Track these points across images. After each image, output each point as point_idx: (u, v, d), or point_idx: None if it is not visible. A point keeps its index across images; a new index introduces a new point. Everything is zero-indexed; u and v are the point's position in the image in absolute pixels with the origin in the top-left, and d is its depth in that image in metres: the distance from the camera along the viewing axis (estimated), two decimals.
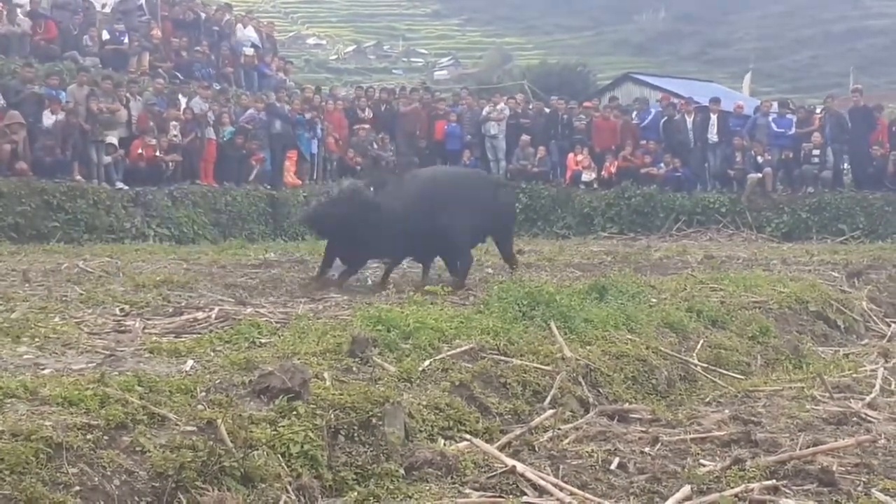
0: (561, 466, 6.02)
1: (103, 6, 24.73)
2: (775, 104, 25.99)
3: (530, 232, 23.81)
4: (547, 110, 26.31)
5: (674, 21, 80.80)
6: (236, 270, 13.12)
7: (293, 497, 5.37)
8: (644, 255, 17.67)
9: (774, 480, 5.68)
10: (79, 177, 18.80)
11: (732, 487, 5.54)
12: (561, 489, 5.57)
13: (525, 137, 25.10)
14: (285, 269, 13.45)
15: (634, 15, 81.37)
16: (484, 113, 25.43)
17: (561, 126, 25.64)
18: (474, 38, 79.49)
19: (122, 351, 7.20)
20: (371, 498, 5.51)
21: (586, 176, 24.72)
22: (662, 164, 24.53)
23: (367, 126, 24.92)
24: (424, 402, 6.69)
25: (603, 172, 24.71)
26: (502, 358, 7.77)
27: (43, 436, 4.88)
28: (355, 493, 5.54)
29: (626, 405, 7.72)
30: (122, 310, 9.22)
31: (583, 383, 7.83)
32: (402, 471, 5.86)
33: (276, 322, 8.63)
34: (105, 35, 23.52)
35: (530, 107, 26.77)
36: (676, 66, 63.09)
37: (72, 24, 22.61)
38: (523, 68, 54.52)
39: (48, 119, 18.66)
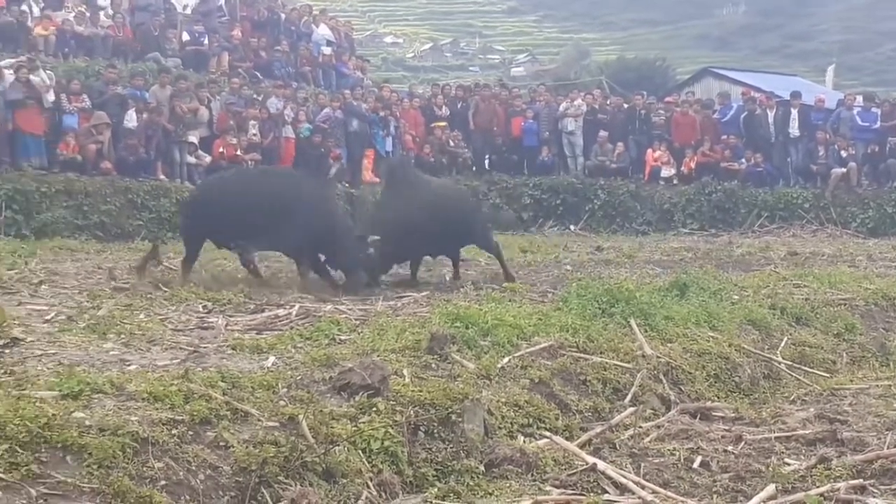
0: (642, 464, 5.97)
1: (184, 7, 25.11)
2: (859, 97, 25.45)
3: (609, 229, 23.65)
4: (625, 106, 26.08)
5: (754, 14, 79.66)
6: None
7: (374, 493, 5.40)
8: (726, 252, 17.44)
9: (861, 479, 5.57)
10: (162, 176, 19.11)
11: (818, 487, 5.45)
12: (643, 487, 5.52)
13: (603, 133, 24.91)
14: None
15: (714, 9, 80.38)
16: (561, 109, 25.30)
17: (639, 121, 25.38)
18: (551, 35, 79.20)
19: (205, 347, 7.29)
20: (451, 494, 5.52)
21: (665, 172, 24.46)
22: (744, 160, 24.17)
23: (442, 123, 24.94)
24: (504, 399, 6.68)
25: (682, 168, 24.43)
26: (582, 355, 7.73)
27: (129, 431, 4.97)
28: (435, 490, 5.55)
29: (709, 403, 7.64)
30: (205, 307, 9.35)
31: (664, 381, 7.76)
32: (482, 467, 5.86)
33: (356, 319, 8.68)
34: (186, 36, 23.88)
35: (608, 102, 26.55)
36: (757, 61, 62.21)
37: (153, 26, 22.98)
38: (601, 64, 54.10)
39: (131, 119, 18.99)
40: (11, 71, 18.11)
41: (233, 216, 10.89)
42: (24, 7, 21.33)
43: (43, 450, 4.68)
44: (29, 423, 4.76)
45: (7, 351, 6.70)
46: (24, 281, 10.57)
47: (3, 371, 6.04)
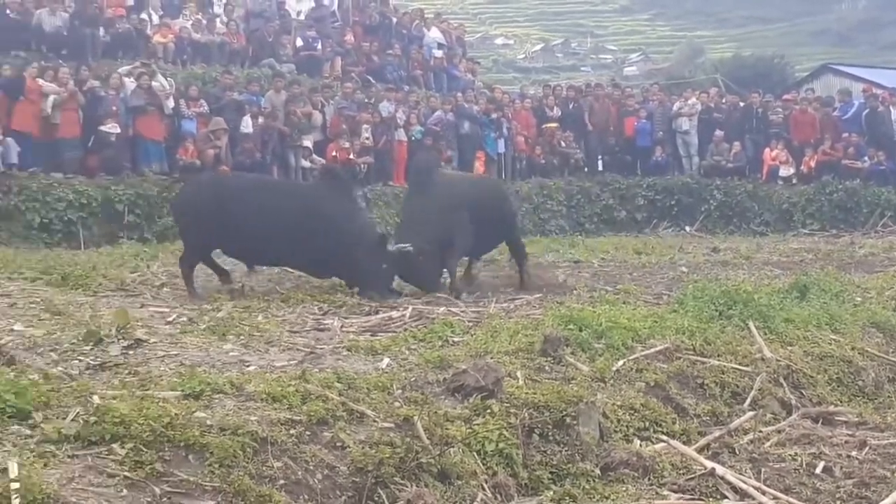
0: (762, 470, 5.87)
1: (298, 13, 25.46)
2: None
3: (726, 230, 23.23)
4: (741, 104, 25.61)
5: (874, 9, 77.34)
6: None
7: (489, 494, 5.40)
8: (847, 253, 17.00)
9: None
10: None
11: None
12: (763, 493, 5.42)
13: (718, 132, 24.49)
14: (476, 268, 13.52)
15: (832, 4, 78.40)
16: (675, 108, 24.96)
17: (756, 120, 24.88)
18: (664, 33, 78.21)
19: (321, 349, 7.39)
20: (567, 497, 5.48)
21: (784, 171, 23.91)
22: (866, 158, 23.51)
23: (553, 124, 24.84)
24: (619, 403, 6.62)
25: (802, 167, 23.86)
26: (699, 358, 7.62)
27: (249, 430, 5.06)
28: (551, 493, 5.53)
29: (831, 407, 7.46)
30: (320, 308, 9.47)
31: (784, 385, 7.60)
32: (597, 471, 5.82)
33: (469, 321, 8.69)
34: (299, 41, 24.24)
35: (724, 101, 26.11)
36: (878, 56, 60.40)
37: (267, 32, 23.38)
38: (716, 62, 53.14)
39: (247, 124, 19.35)
40: (132, 78, 18.61)
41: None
42: (144, 15, 21.90)
43: (166, 449, 4.80)
44: (153, 422, 4.88)
45: (131, 352, 6.88)
46: (147, 284, 10.86)
47: (127, 372, 6.21)
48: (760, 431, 6.60)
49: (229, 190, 11.05)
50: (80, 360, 6.53)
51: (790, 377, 7.72)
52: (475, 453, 5.57)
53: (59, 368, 6.17)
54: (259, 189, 11.48)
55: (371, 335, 8.05)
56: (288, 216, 10.57)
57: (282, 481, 4.93)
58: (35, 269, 10.89)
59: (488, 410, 5.89)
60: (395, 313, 9.04)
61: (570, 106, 25.44)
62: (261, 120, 19.49)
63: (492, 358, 6.80)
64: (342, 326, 8.41)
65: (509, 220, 12.61)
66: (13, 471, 4.23)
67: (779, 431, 6.65)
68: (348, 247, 10.49)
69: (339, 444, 5.31)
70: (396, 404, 5.85)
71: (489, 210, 11.84)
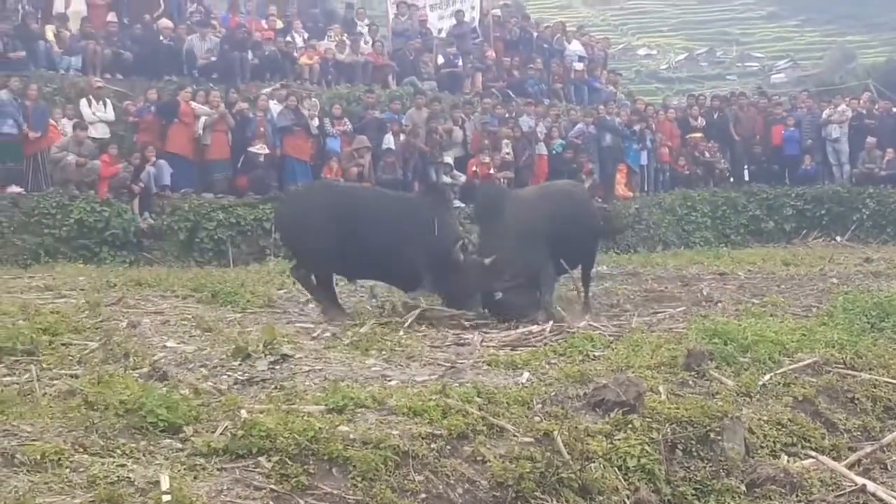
0: None
1: (439, 31, 25.71)
2: None
3: (879, 239, 22.46)
4: (894, 110, 24.74)
5: None
6: (568, 283, 13.23)
7: None
8: None
9: None
10: None
11: None
12: None
13: (871, 139, 23.72)
14: (618, 281, 13.42)
15: None
16: (825, 115, 24.29)
17: None
18: (813, 39, 76.05)
19: (461, 363, 7.44)
20: None
21: None
22: None
23: (697, 134, 24.46)
24: (765, 417, 6.49)
25: None
26: (849, 372, 7.40)
27: (391, 444, 5.14)
28: None
29: None
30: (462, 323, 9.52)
31: None
32: (743, 487, 5.72)
33: (610, 335, 8.62)
34: (440, 59, 24.48)
35: (876, 107, 25.28)
36: None
37: (409, 51, 23.69)
38: (868, 67, 51.54)
39: (389, 142, 19.63)
40: (275, 100, 19.12)
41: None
42: (289, 38, 22.45)
43: (311, 462, 4.91)
44: (298, 436, 5.01)
45: (277, 367, 7.06)
46: (293, 300, 11.11)
47: (273, 386, 6.37)
48: None
49: (332, 199, 10.86)
50: (229, 376, 6.74)
51: None
52: (616, 468, 5.53)
53: (209, 383, 6.38)
54: (362, 199, 11.30)
55: (511, 349, 8.07)
56: (387, 227, 10.42)
57: (423, 495, 4.99)
58: (186, 286, 11.27)
59: (630, 425, 5.84)
60: (535, 328, 9.03)
61: (715, 115, 25.01)
62: (402, 137, 19.75)
63: (633, 372, 6.75)
64: (482, 341, 8.45)
65: (590, 225, 11.48)
66: (165, 483, 4.39)
67: None
68: (438, 260, 10.17)
69: (479, 458, 5.35)
70: (536, 419, 5.85)
71: (568, 218, 10.87)
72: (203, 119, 18.10)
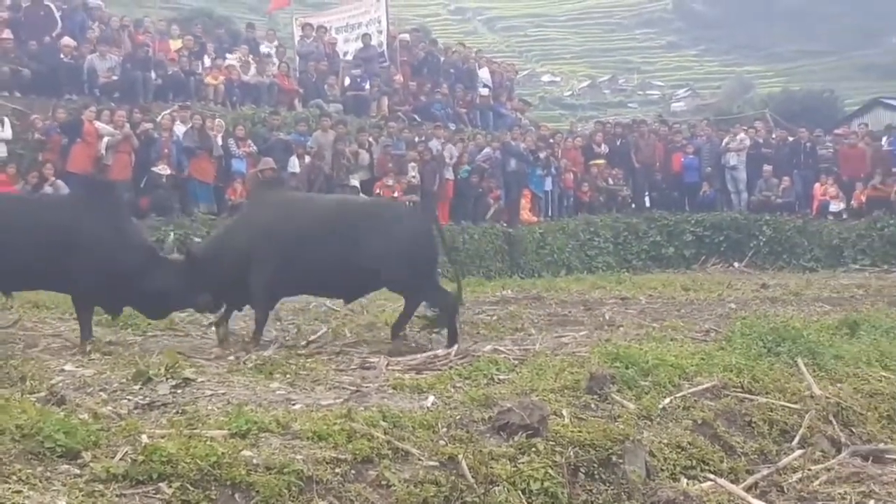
0: None
1: (345, 54, 25.74)
2: None
3: (775, 265, 23.08)
4: (790, 139, 25.48)
5: None
6: (474, 307, 13.30)
7: None
8: None
9: None
10: None
11: None
12: None
13: (767, 168, 24.39)
14: (522, 305, 13.52)
15: (882, 37, 77.79)
16: (724, 143, 24.89)
17: (805, 155, 24.76)
18: (712, 68, 77.99)
19: (367, 387, 7.40)
20: None
21: (834, 206, 23.71)
22: None
23: (600, 161, 24.87)
24: (666, 441, 6.57)
25: (852, 202, 23.63)
26: (747, 396, 7.55)
27: (295, 469, 5.10)
28: None
29: (882, 445, 7.34)
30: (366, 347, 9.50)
31: (834, 422, 7.50)
32: None
33: (515, 359, 8.68)
34: (347, 81, 24.49)
35: (773, 136, 26.00)
36: None
37: (314, 73, 23.65)
38: (764, 96, 53.01)
39: (294, 164, 19.54)
40: (180, 121, 18.92)
41: None
42: (194, 58, 22.26)
43: (213, 488, 4.84)
44: (200, 461, 4.93)
45: (179, 391, 6.95)
46: (195, 323, 10.96)
47: (175, 411, 6.27)
48: (809, 470, 6.52)
49: None
50: (129, 400, 6.61)
51: (840, 415, 7.61)
52: (520, 492, 5.55)
53: (109, 408, 6.25)
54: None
55: (416, 373, 8.06)
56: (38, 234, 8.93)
57: None
58: None
59: (533, 449, 5.87)
60: (440, 351, 9.05)
61: (618, 143, 25.46)
62: (307, 160, 19.68)
63: (537, 396, 6.79)
64: (388, 364, 8.43)
65: (381, 253, 9.22)
66: None
67: (828, 470, 6.56)
68: (112, 266, 9.03)
69: (384, 482, 5.33)
70: (441, 442, 5.85)
71: (331, 238, 9.31)
72: (106, 139, 17.81)
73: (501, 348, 9.27)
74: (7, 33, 19.82)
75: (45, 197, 13.79)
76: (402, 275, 9.39)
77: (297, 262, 9.32)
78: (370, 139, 21.35)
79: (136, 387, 7.00)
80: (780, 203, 24.18)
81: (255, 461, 5.13)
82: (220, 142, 19.17)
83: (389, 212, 10.03)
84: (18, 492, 4.50)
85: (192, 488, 4.79)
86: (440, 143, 22.07)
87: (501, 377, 7.75)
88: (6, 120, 17.77)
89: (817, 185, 24.11)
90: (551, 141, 24.74)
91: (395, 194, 20.29)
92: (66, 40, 20.03)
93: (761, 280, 18.91)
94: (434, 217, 10.85)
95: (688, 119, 41.10)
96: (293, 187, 13.27)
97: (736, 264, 23.48)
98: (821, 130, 26.34)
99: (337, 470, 5.27)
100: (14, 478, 4.68)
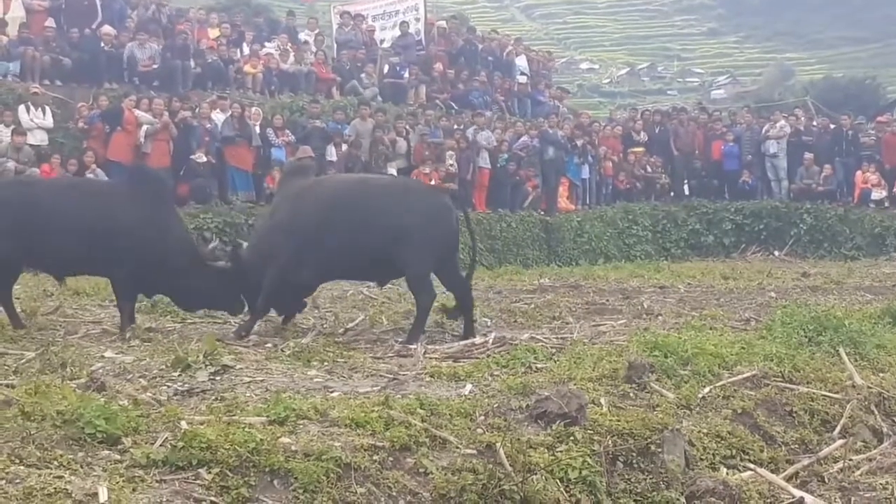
0: (853, 499, 5.75)
1: (382, 42, 25.74)
2: None
3: (816, 254, 22.87)
4: (832, 126, 25.20)
5: None
6: (512, 295, 13.27)
7: None
8: None
9: None
10: None
11: None
12: None
13: (808, 155, 24.14)
14: (560, 294, 13.49)
15: None
16: (763, 131, 24.66)
17: (846, 142, 24.46)
18: (753, 55, 77.35)
19: (404, 375, 7.42)
20: None
21: (876, 194, 23.42)
22: None
23: (639, 149, 24.73)
24: (705, 430, 6.53)
25: (894, 190, 23.35)
26: (787, 385, 7.48)
27: (333, 456, 5.10)
28: None
29: None
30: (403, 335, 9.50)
31: (875, 412, 7.42)
32: (682, 499, 5.75)
33: (552, 347, 8.65)
34: (385, 69, 24.49)
35: (814, 123, 25.73)
36: None
37: (352, 61, 23.66)
38: (806, 84, 52.48)
39: (331, 153, 19.57)
40: (219, 109, 19.00)
41: None
42: (233, 46, 22.32)
43: (251, 474, 4.86)
44: (238, 447, 4.95)
45: (218, 378, 6.99)
46: None
47: (214, 398, 6.31)
48: (851, 460, 6.45)
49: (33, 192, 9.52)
50: (169, 386, 6.66)
51: (882, 404, 7.53)
52: (558, 480, 5.52)
53: (148, 394, 6.29)
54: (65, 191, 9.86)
55: (454, 361, 8.06)
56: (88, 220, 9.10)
57: None
58: None
59: (571, 437, 5.85)
60: (478, 339, 9.04)
61: (657, 130, 25.29)
62: (344, 148, 19.69)
63: (575, 384, 6.77)
64: (425, 352, 8.44)
65: (398, 236, 9.06)
66: (103, 495, 4.32)
67: (870, 460, 6.49)
68: (160, 257, 9.16)
69: (421, 470, 5.33)
70: (479, 431, 5.84)
71: (362, 220, 9.14)
72: (145, 127, 17.93)
73: (539, 337, 9.26)
74: (49, 22, 19.98)
75: (94, 183, 13.79)
76: (415, 258, 9.17)
77: (320, 245, 9.18)
78: (407, 127, 21.32)
79: (176, 373, 7.05)
80: (821, 191, 23.93)
81: (293, 448, 5.15)
82: (258, 130, 19.23)
83: (412, 194, 9.79)
84: (60, 477, 4.54)
85: (231, 474, 4.81)
86: (478, 130, 22.00)
87: (539, 366, 7.73)
88: (47, 109, 17.91)
89: (859, 172, 23.82)
90: (589, 129, 24.61)
91: (433, 182, 20.28)
92: (107, 29, 20.17)
93: (802, 268, 18.75)
94: (460, 202, 10.55)
95: (728, 106, 40.79)
96: (321, 173, 12.95)
97: (776, 253, 23.29)
98: (863, 118, 26.07)
99: (375, 457, 5.27)
100: (55, 463, 4.72)
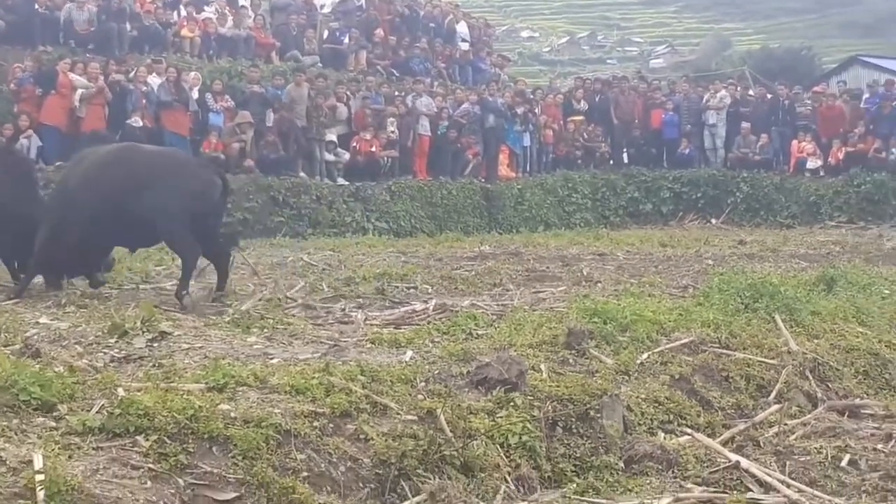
0: (787, 463, 5.82)
1: (321, 7, 25.50)
2: None
3: (752, 222, 23.16)
4: (769, 96, 25.47)
5: None
6: (453, 262, 13.28)
7: (512, 487, 5.39)
8: (875, 245, 16.88)
9: None
10: (302, 173, 19.44)
11: None
12: (788, 486, 5.39)
13: (745, 125, 24.38)
14: (500, 261, 13.52)
15: None
16: (704, 100, 24.84)
17: (783, 112, 24.75)
18: (691, 25, 77.84)
19: (345, 341, 7.39)
20: (590, 490, 5.47)
21: (811, 163, 23.74)
22: (894, 150, 23.29)
23: (579, 118, 24.81)
24: (643, 395, 6.60)
25: (829, 159, 23.68)
26: (724, 351, 7.58)
27: (272, 423, 5.07)
28: (574, 485, 5.51)
29: (858, 400, 7.39)
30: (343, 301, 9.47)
31: (810, 378, 7.54)
32: (621, 464, 5.80)
33: (493, 314, 8.67)
34: (325, 34, 24.27)
35: (750, 93, 25.98)
36: None
37: (293, 25, 23.41)
38: (743, 54, 52.92)
39: (270, 118, 19.39)
40: (155, 74, 18.70)
41: None
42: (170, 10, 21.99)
43: (190, 441, 4.81)
44: (177, 414, 4.90)
45: (155, 344, 6.92)
46: (172, 276, 10.90)
47: (151, 364, 6.24)
48: (786, 424, 6.55)
49: None
50: (105, 353, 6.58)
51: (816, 370, 7.65)
52: (498, 446, 5.55)
53: (85, 361, 6.21)
54: None
55: (395, 328, 8.05)
56: None
57: (305, 473, 4.93)
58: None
59: (512, 403, 5.87)
60: (418, 306, 9.04)
61: (597, 99, 25.38)
62: (284, 114, 19.50)
63: (515, 351, 6.79)
64: (366, 319, 8.42)
65: (157, 206, 9.12)
66: (38, 462, 4.25)
67: (804, 424, 6.59)
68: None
69: (362, 436, 5.31)
70: (420, 397, 5.84)
71: (123, 187, 9.26)
72: (80, 91, 17.60)
73: (479, 303, 9.28)
74: None
75: None
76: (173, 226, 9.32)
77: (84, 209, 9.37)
78: (348, 93, 21.18)
79: (112, 340, 6.96)
80: (757, 160, 24.22)
81: (232, 415, 5.10)
82: (196, 95, 18.98)
83: (172, 162, 10.00)
84: None
85: (169, 441, 4.76)
86: (418, 97, 21.91)
87: (480, 332, 7.75)
88: None
89: (795, 142, 24.13)
90: (530, 97, 24.62)
91: (373, 149, 20.21)
92: None
93: (739, 236, 18.98)
94: (220, 170, 10.71)
95: (667, 76, 41.00)
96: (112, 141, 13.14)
97: (713, 220, 23.55)
98: (799, 88, 26.31)
99: (315, 423, 5.25)
100: None
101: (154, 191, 9.12)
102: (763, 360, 7.55)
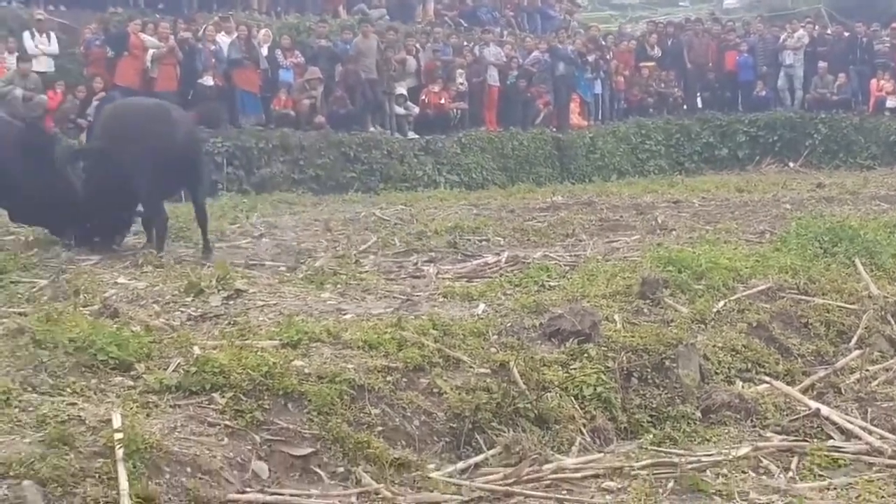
0: (869, 409, 5.73)
1: None
2: None
3: (831, 164, 22.63)
4: (846, 34, 24.78)
5: None
6: (525, 214, 13.20)
7: (588, 438, 5.38)
8: None
9: None
10: (372, 128, 19.43)
11: None
12: (870, 433, 5.30)
13: (822, 64, 23.76)
14: (573, 211, 13.40)
15: None
16: (780, 41, 24.23)
17: (860, 50, 24.06)
18: None
19: (417, 296, 7.40)
20: (667, 440, 5.43)
21: (891, 102, 23.07)
22: None
23: (651, 63, 24.38)
24: (720, 344, 6.52)
25: None
26: (803, 297, 7.46)
27: (346, 378, 5.10)
28: (651, 436, 5.48)
29: None
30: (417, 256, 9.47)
31: (892, 322, 7.40)
32: (698, 413, 5.75)
33: (565, 265, 8.61)
34: None
35: (828, 32, 25.30)
36: None
37: None
38: None
39: (340, 73, 19.36)
40: (224, 32, 18.76)
41: None
42: None
43: (265, 397, 4.87)
44: (252, 371, 4.96)
45: (230, 302, 6.98)
46: (246, 234, 11.00)
47: (227, 322, 6.30)
48: (867, 370, 6.44)
49: None
50: (182, 312, 6.66)
51: None
52: (573, 398, 5.54)
53: (161, 320, 6.29)
54: None
55: (467, 281, 8.04)
56: None
57: (379, 428, 4.97)
58: (136, 222, 11.06)
59: (585, 354, 5.84)
60: (490, 259, 9.01)
61: (669, 43, 24.91)
62: (350, 67, 19.42)
63: (588, 302, 6.75)
64: (438, 273, 8.41)
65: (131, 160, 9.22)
66: (117, 421, 4.33)
67: (887, 370, 6.49)
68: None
69: (435, 390, 5.33)
70: (492, 350, 5.84)
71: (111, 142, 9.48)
72: (151, 51, 17.74)
73: (552, 255, 9.23)
74: None
75: None
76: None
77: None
78: (417, 45, 21.05)
79: (189, 299, 7.05)
80: (835, 100, 23.61)
81: (306, 371, 5.15)
82: (265, 52, 19.02)
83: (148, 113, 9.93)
84: (73, 404, 4.55)
85: (244, 398, 4.82)
86: (486, 47, 21.70)
87: (552, 284, 7.71)
88: (52, 34, 17.72)
89: (874, 80, 23.47)
90: (602, 43, 24.24)
91: (443, 101, 20.11)
92: None
93: (817, 179, 18.60)
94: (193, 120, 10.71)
95: (741, 16, 40.11)
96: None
97: (791, 164, 23.07)
98: (877, 25, 25.54)
99: (388, 378, 5.27)
100: (69, 390, 4.73)
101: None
102: (843, 305, 7.42)
